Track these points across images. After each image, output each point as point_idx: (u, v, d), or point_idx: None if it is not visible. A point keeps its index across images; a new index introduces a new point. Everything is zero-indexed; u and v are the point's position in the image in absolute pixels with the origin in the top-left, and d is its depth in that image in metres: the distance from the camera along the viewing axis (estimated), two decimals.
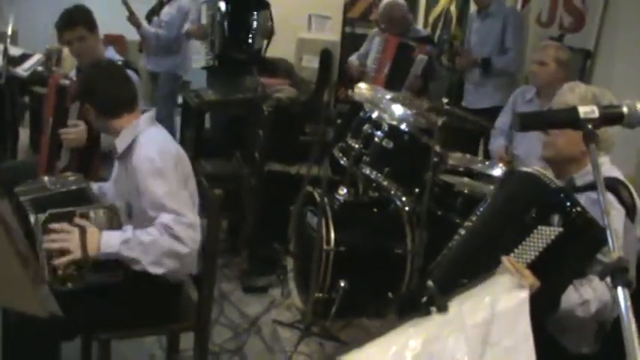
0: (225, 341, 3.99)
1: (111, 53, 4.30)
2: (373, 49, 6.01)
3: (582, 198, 2.48)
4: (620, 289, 1.45)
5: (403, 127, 4.21)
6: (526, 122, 1.93)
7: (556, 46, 4.46)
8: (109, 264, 2.76)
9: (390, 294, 4.07)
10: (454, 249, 2.74)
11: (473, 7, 5.99)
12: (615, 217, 2.45)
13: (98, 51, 4.19)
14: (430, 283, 2.65)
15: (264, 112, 4.97)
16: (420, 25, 7.77)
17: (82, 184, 3.02)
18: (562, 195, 2.39)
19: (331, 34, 8.69)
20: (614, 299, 1.52)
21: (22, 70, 5.83)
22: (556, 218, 2.31)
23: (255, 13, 5.93)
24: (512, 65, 5.41)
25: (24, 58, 6.00)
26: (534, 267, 2.20)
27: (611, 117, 1.78)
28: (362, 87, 4.93)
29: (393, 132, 4.20)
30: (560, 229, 2.30)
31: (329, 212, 4.04)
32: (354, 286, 3.98)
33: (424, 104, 4.48)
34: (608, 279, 1.49)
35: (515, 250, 2.34)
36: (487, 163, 4.44)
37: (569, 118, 1.78)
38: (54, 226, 2.66)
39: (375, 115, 4.32)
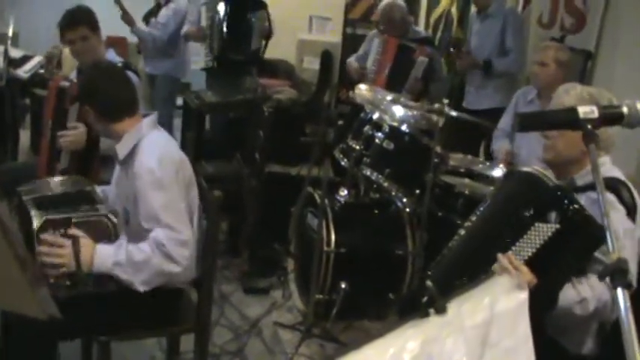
0: (225, 343, 3.98)
1: (111, 55, 4.29)
2: (373, 51, 5.99)
3: (583, 198, 2.49)
4: (619, 291, 1.45)
5: (404, 128, 4.20)
6: (526, 123, 1.94)
7: (556, 46, 4.45)
8: (102, 275, 2.76)
9: (390, 295, 4.06)
10: (453, 249, 2.74)
11: (474, 9, 5.98)
12: (615, 217, 2.44)
13: (100, 52, 4.18)
14: (429, 283, 2.65)
15: (265, 113, 4.96)
16: (421, 27, 7.77)
17: (87, 186, 3.01)
18: (559, 193, 2.40)
19: (332, 36, 8.68)
20: (614, 300, 1.52)
21: (23, 71, 5.81)
22: (553, 215, 2.32)
23: (252, 13, 5.92)
24: (513, 67, 5.40)
25: (25, 59, 5.98)
26: (532, 264, 2.20)
27: (610, 117, 1.77)
28: (362, 88, 4.91)
29: (394, 133, 4.19)
30: (557, 226, 2.31)
31: (329, 213, 4.03)
32: (354, 287, 3.98)
33: (424, 106, 4.48)
34: (608, 280, 1.48)
35: (513, 248, 2.35)
36: (488, 164, 4.44)
37: (568, 119, 1.77)
38: (47, 238, 2.64)
39: (375, 116, 4.31)
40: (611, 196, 2.50)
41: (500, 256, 2.11)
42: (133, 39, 6.79)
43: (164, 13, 6.31)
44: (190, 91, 6.28)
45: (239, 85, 5.94)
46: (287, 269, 4.65)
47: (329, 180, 4.19)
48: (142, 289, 2.76)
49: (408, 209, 4.15)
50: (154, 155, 2.85)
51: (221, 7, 5.87)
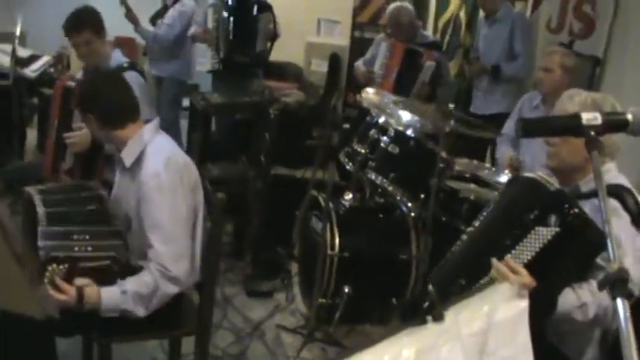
0: (227, 345, 3.97)
1: (117, 55, 4.30)
2: (380, 55, 5.97)
3: (587, 205, 2.48)
4: (619, 301, 1.43)
5: (409, 132, 4.19)
6: (529, 128, 1.93)
7: (562, 52, 4.43)
8: None
9: (394, 300, 4.05)
10: (456, 254, 2.73)
11: (482, 13, 5.97)
12: (618, 224, 2.42)
13: (104, 54, 4.19)
14: (431, 287, 2.64)
15: (271, 116, 4.96)
16: (429, 31, 7.75)
17: (99, 203, 2.93)
18: (560, 197, 2.41)
19: (340, 39, 8.67)
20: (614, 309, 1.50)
21: (30, 71, 5.83)
22: (553, 219, 2.32)
23: (258, 15, 5.91)
24: (521, 71, 5.39)
25: (32, 59, 6.01)
26: (531, 267, 2.20)
27: (615, 124, 1.76)
28: (369, 92, 4.90)
29: (399, 137, 4.17)
30: (557, 229, 2.31)
31: (334, 217, 4.02)
32: (358, 291, 3.96)
33: (431, 110, 4.46)
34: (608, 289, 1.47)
35: (513, 251, 2.35)
36: (494, 169, 4.42)
37: (571, 125, 1.76)
38: (54, 280, 2.62)
39: (381, 120, 4.29)
40: (615, 203, 2.48)
41: (494, 262, 2.10)
42: (142, 40, 6.79)
43: (170, 14, 6.31)
44: (197, 93, 6.27)
45: (245, 87, 5.93)
46: (291, 272, 4.64)
47: (334, 183, 4.18)
48: (141, 314, 2.77)
49: (412, 214, 4.13)
50: (160, 159, 2.86)
51: (227, 9, 5.86)
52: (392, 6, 6.15)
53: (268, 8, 5.95)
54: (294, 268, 4.59)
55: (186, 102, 6.83)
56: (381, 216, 4.38)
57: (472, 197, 3.99)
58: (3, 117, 5.97)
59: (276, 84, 7.16)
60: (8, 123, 5.85)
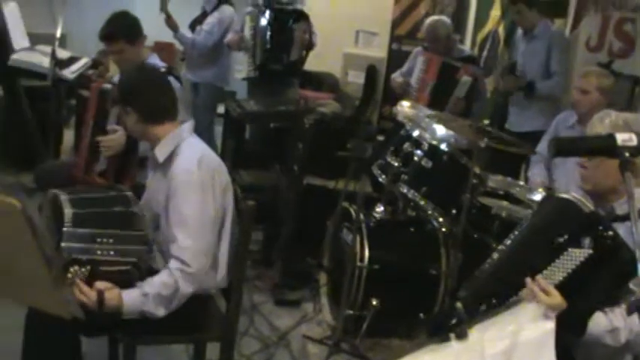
0: (253, 353, 3.97)
1: (154, 60, 4.33)
2: (417, 68, 5.95)
3: (622, 228, 2.44)
4: None
5: (443, 147, 4.16)
6: (562, 148, 1.91)
7: (597, 73, 4.36)
8: None
9: (421, 315, 4.02)
10: (486, 271, 2.70)
11: (520, 29, 5.91)
12: None
13: (139, 60, 4.22)
14: (459, 305, 2.62)
15: (306, 125, 4.96)
16: (467, 44, 7.72)
17: (126, 205, 2.89)
18: (594, 219, 2.38)
19: (378, 51, 8.67)
20: None
21: (70, 72, 5.87)
22: (587, 241, 2.29)
23: (294, 24, 5.92)
24: (557, 90, 5.31)
25: (72, 60, 6.06)
26: (562, 288, 2.19)
27: None
28: (404, 105, 4.89)
29: (433, 151, 4.15)
30: (590, 251, 2.29)
31: (364, 229, 4.00)
32: (385, 304, 3.94)
33: (466, 125, 4.43)
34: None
35: (544, 272, 2.32)
36: (527, 187, 4.37)
37: (606, 145, 1.75)
38: (76, 281, 2.62)
39: (416, 133, 4.27)
40: None
41: (529, 280, 2.08)
42: (181, 46, 6.84)
43: (209, 20, 6.33)
44: (232, 100, 6.30)
45: (281, 96, 5.95)
46: (319, 282, 4.63)
47: (366, 196, 4.16)
48: (160, 314, 2.78)
49: (443, 229, 4.11)
50: (194, 157, 2.88)
51: (264, 17, 5.89)
52: (430, 19, 6.14)
53: (305, 17, 5.96)
54: (323, 278, 4.58)
55: (221, 109, 6.87)
56: (411, 230, 4.36)
57: (504, 214, 3.96)
58: (41, 118, 6.05)
59: (313, 94, 7.17)
60: (46, 123, 5.93)
